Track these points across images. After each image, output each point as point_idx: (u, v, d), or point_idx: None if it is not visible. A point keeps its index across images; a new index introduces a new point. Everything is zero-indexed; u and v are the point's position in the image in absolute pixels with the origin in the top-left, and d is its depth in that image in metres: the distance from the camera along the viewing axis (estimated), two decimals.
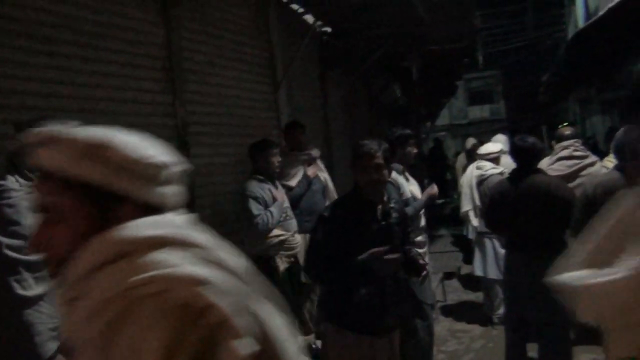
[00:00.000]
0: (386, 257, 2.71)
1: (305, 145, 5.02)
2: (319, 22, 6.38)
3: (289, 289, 4.31)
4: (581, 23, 17.00)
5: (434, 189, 4.33)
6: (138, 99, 3.92)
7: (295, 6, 6.27)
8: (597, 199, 3.39)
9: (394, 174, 4.02)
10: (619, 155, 3.53)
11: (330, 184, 5.20)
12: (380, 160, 2.88)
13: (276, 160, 4.34)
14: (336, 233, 2.82)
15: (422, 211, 4.29)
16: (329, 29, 7.21)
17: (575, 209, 3.65)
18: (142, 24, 4.03)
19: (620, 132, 3.52)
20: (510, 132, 15.18)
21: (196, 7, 4.57)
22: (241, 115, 5.03)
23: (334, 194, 5.16)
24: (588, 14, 16.25)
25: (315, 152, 5.10)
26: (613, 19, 7.31)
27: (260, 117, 5.31)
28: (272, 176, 4.36)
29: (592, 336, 4.57)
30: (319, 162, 5.17)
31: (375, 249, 2.72)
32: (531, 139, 4.09)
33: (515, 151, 4.17)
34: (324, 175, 5.17)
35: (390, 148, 3.40)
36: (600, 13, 7.24)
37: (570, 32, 18.90)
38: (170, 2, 4.26)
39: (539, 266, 3.92)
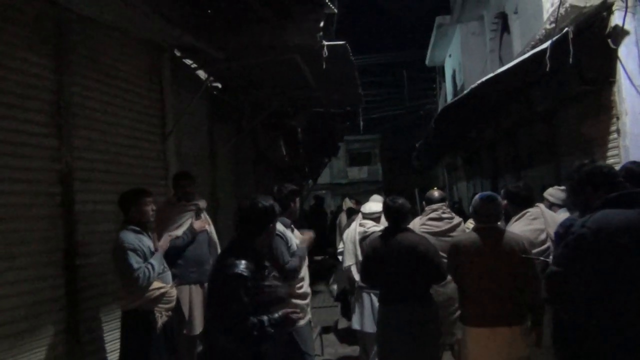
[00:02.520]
0: (293, 316, 3.10)
1: (193, 196, 5.08)
2: (210, 78, 6.56)
3: (163, 345, 4.18)
4: (450, 97, 18.76)
5: (310, 234, 4.59)
6: (23, 142, 3.82)
7: (188, 61, 6.43)
8: (460, 256, 3.83)
9: (282, 228, 4.22)
10: (475, 218, 4.03)
11: (215, 236, 5.26)
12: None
13: (150, 209, 4.25)
14: (252, 289, 2.96)
15: (307, 264, 4.49)
16: (219, 85, 7.42)
17: (443, 265, 4.07)
18: (32, 66, 3.97)
19: (475, 199, 4.02)
20: (386, 193, 16.07)
21: (91, 54, 4.58)
22: (129, 163, 5.00)
23: (217, 246, 5.22)
24: (455, 90, 17.99)
25: (202, 204, 5.17)
26: (474, 97, 8.25)
27: (148, 166, 5.31)
28: (147, 226, 4.27)
29: None
30: (205, 214, 5.23)
31: (289, 311, 3.12)
32: (401, 200, 4.49)
33: (386, 210, 4.54)
34: (209, 228, 5.24)
35: (280, 203, 3.66)
36: (465, 92, 8.14)
37: (441, 104, 20.73)
38: (63, 48, 4.25)
39: (407, 318, 4.28)
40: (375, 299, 5.88)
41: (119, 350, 4.23)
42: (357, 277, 6.11)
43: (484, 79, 6.92)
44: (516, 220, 4.34)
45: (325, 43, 5.36)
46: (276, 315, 3.03)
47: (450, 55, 19.48)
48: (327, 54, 5.36)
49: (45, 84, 4.08)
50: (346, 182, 33.04)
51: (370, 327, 5.91)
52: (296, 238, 4.50)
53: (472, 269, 3.80)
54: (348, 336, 7.48)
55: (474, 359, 3.81)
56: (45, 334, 3.86)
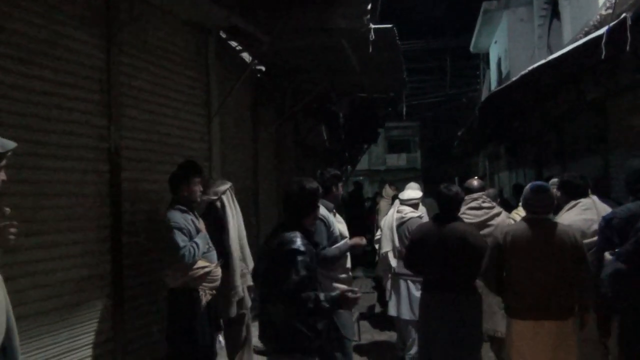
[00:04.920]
0: (353, 296, 3.10)
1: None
2: (255, 61, 6.55)
3: (207, 322, 4.25)
4: (494, 85, 18.33)
5: (362, 241, 4.50)
6: (73, 119, 3.88)
7: (233, 43, 6.43)
8: (507, 247, 3.73)
9: (325, 212, 4.19)
10: (526, 208, 3.90)
11: (240, 219, 4.95)
12: None
13: (198, 189, 4.28)
14: (310, 265, 3.10)
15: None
16: (263, 68, 7.41)
17: (486, 256, 3.97)
18: (83, 44, 4.03)
19: (526, 189, 3.90)
20: (424, 181, 15.86)
21: (139, 33, 4.61)
22: (174, 144, 5.04)
23: (228, 232, 4.74)
24: (500, 77, 17.57)
25: (218, 189, 4.73)
26: (521, 85, 8.02)
27: (192, 147, 5.35)
28: (193, 206, 4.30)
29: None
30: (227, 194, 4.78)
31: (346, 289, 3.22)
32: (455, 188, 4.42)
33: (439, 198, 4.46)
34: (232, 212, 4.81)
35: (322, 187, 3.65)
36: (513, 79, 7.91)
37: (484, 92, 20.27)
38: (113, 28, 4.29)
39: (450, 307, 4.21)
40: (412, 286, 5.83)
41: (163, 327, 4.31)
42: (393, 263, 6.06)
43: (535, 65, 6.70)
44: (568, 210, 4.22)
45: (373, 26, 5.27)
46: (333, 293, 3.13)
47: (495, 42, 19.00)
48: (373, 37, 5.26)
49: (94, 62, 4.13)
50: (384, 169, 32.85)
51: (407, 313, 5.87)
52: (339, 223, 4.46)
53: (520, 260, 3.70)
54: (382, 322, 7.47)
55: (518, 352, 3.72)
56: (92, 308, 3.95)
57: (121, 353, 4.19)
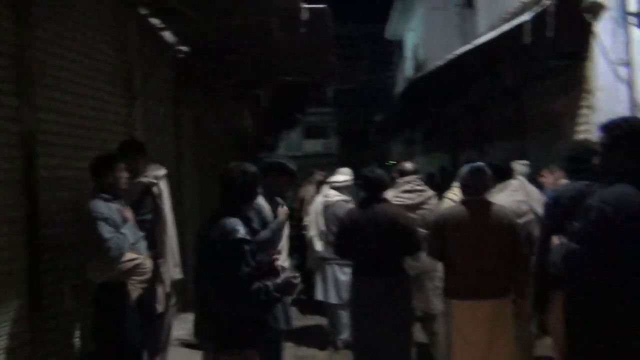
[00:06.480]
0: (294, 281, 3.05)
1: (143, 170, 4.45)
2: (179, 40, 6.22)
3: (138, 319, 4.00)
4: (410, 72, 18.74)
5: (285, 209, 4.35)
6: None
7: (155, 21, 6.05)
8: (447, 229, 3.77)
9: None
10: (462, 190, 3.95)
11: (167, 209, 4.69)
12: None
13: (124, 176, 4.03)
14: (253, 254, 2.97)
15: (287, 237, 4.33)
16: (186, 48, 7.06)
17: (427, 237, 3.99)
18: None
19: (463, 170, 3.95)
20: (342, 167, 15.88)
21: (54, 5, 4.19)
22: (95, 127, 4.65)
23: (165, 222, 4.59)
24: (417, 64, 17.97)
25: (157, 173, 4.57)
26: (444, 71, 8.20)
27: (114, 131, 4.96)
28: (119, 194, 4.03)
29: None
30: (161, 184, 4.63)
31: (290, 275, 3.08)
32: (379, 171, 4.45)
33: (364, 181, 4.46)
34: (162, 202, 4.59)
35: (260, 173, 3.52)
36: (439, 63, 8.04)
37: (400, 78, 20.69)
38: None
39: (382, 290, 4.22)
40: (337, 269, 5.85)
41: (88, 325, 4.00)
42: (318, 247, 6.04)
43: (463, 49, 6.84)
44: (499, 192, 4.33)
45: (305, 6, 5.12)
46: (279, 280, 3.02)
47: (411, 29, 19.41)
48: (306, 17, 5.12)
49: (4, 36, 3.70)
50: (301, 155, 32.88)
51: (334, 298, 5.90)
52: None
53: (459, 242, 3.75)
54: (310, 307, 7.44)
55: (458, 331, 3.77)
56: (6, 309, 3.56)
57: (41, 355, 3.83)
